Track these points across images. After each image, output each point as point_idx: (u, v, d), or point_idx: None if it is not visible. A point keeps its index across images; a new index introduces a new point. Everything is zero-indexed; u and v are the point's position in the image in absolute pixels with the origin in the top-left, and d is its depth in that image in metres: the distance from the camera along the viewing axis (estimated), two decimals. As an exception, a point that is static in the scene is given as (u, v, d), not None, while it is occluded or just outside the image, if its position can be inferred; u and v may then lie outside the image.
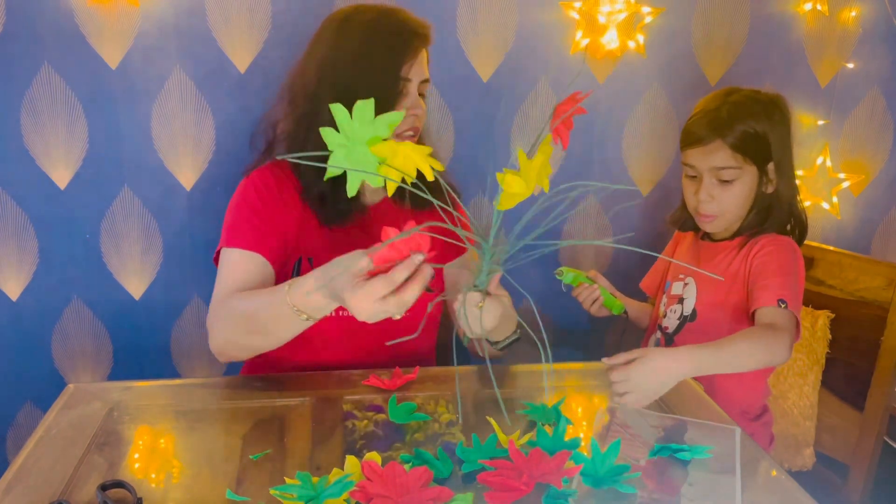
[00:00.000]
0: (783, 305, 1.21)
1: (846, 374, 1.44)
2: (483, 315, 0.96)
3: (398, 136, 1.19)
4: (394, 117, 0.87)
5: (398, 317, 0.89)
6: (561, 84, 1.66)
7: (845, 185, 1.81)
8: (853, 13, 1.72)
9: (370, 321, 0.90)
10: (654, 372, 1.06)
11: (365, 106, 0.86)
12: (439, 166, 0.88)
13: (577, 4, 1.60)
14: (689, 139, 1.32)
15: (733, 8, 1.68)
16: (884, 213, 1.87)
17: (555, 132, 0.89)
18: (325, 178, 0.91)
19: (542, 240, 0.90)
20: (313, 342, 1.20)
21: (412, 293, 0.87)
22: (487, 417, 1.02)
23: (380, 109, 1.14)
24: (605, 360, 1.09)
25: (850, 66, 1.75)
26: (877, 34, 1.73)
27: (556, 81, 1.66)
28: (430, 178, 0.88)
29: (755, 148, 1.28)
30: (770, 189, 1.32)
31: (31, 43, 1.46)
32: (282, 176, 1.25)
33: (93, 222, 1.59)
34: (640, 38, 1.64)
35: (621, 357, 1.08)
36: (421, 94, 1.22)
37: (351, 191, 0.86)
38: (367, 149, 0.86)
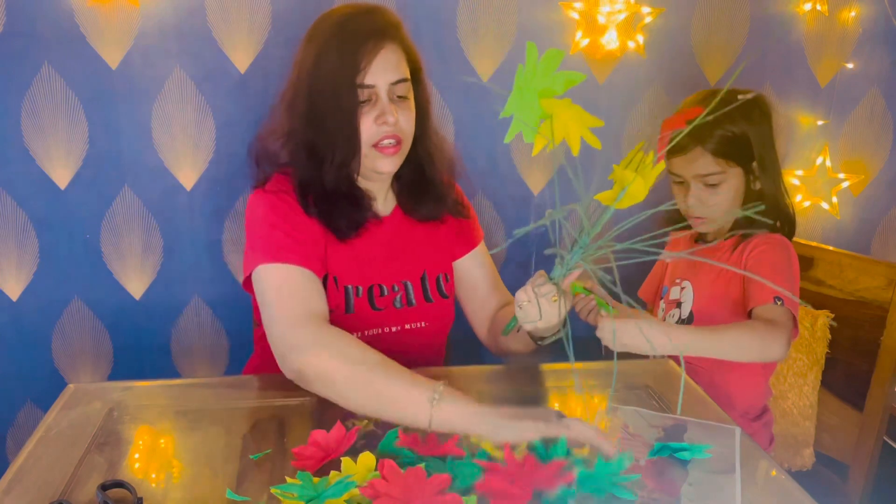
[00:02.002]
0: (779, 303, 1.21)
1: (846, 374, 1.44)
2: (551, 309, 0.96)
3: (375, 147, 1.11)
4: (574, 76, 0.84)
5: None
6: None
7: (845, 185, 1.81)
8: (853, 13, 1.72)
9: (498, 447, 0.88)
10: (639, 333, 1.09)
11: (554, 56, 0.83)
12: (596, 143, 0.85)
13: (578, 4, 1.60)
14: (671, 148, 1.29)
15: (733, 8, 1.68)
16: (883, 213, 1.87)
17: (660, 150, 0.89)
18: (500, 116, 0.85)
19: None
20: None
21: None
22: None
23: (341, 119, 1.09)
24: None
25: (850, 66, 1.75)
26: (877, 34, 1.73)
27: (556, 81, 1.66)
28: (574, 152, 0.85)
29: (736, 150, 1.27)
30: (759, 186, 1.32)
31: (32, 43, 1.46)
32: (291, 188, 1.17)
33: (93, 222, 1.59)
34: (640, 38, 1.64)
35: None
36: (402, 97, 1.12)
37: (508, 136, 0.83)
38: (537, 99, 0.84)
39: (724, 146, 1.27)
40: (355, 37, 1.08)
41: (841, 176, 1.81)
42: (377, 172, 1.15)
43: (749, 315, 1.24)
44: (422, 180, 1.22)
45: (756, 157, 1.29)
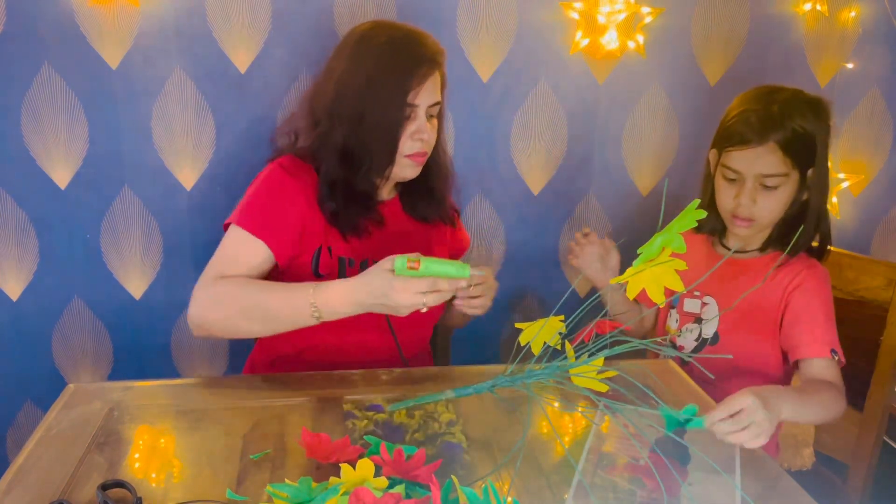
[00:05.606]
0: (836, 357, 1.20)
1: (846, 374, 1.44)
2: None
3: (409, 157, 1.23)
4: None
5: (425, 309, 1.07)
6: (561, 84, 1.66)
7: (845, 185, 1.81)
8: (853, 13, 1.72)
9: (404, 312, 1.07)
10: (765, 408, 0.95)
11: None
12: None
13: (577, 5, 1.60)
14: (734, 140, 1.22)
15: (733, 8, 1.68)
16: (883, 213, 1.87)
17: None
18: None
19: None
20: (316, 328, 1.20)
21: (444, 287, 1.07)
22: None
23: (385, 134, 1.21)
24: (708, 418, 0.95)
25: (850, 66, 1.75)
26: (876, 34, 1.73)
27: (555, 82, 1.66)
28: (660, 303, 0.97)
29: (803, 151, 1.21)
30: (805, 196, 1.25)
31: (32, 43, 1.46)
32: (305, 169, 1.27)
33: (93, 222, 1.59)
34: (640, 38, 1.64)
35: (723, 408, 0.95)
36: (432, 116, 1.25)
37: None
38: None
39: (794, 143, 1.19)
40: (411, 61, 1.20)
41: (841, 176, 1.81)
42: (401, 178, 1.29)
43: (796, 364, 1.24)
44: (425, 186, 1.34)
45: (815, 163, 1.22)
